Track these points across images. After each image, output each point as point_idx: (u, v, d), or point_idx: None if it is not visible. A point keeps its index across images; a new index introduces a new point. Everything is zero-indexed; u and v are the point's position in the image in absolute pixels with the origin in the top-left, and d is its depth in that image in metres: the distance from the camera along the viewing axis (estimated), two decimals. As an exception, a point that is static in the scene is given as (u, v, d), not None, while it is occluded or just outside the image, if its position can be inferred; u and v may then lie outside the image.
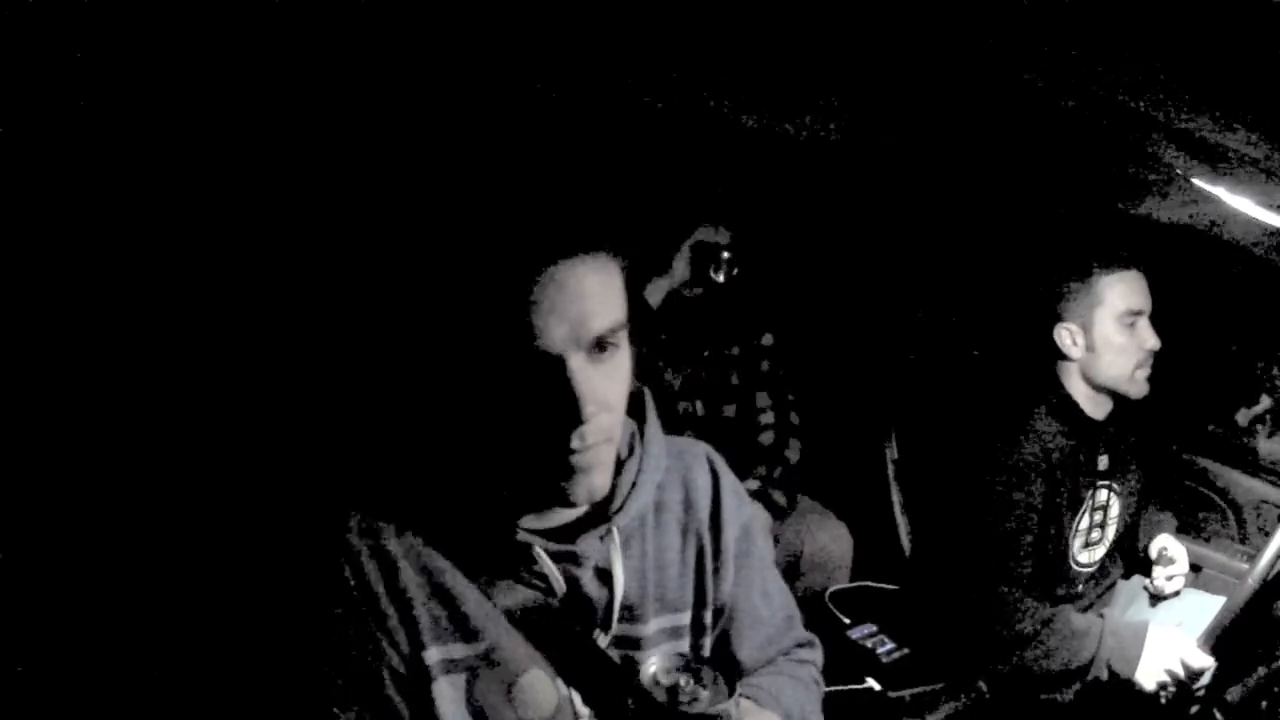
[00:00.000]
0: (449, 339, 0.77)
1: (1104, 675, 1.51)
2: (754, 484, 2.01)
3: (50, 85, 1.11)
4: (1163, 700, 1.48)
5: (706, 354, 2.07)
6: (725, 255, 1.89)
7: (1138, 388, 1.65)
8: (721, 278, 1.92)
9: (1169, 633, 1.52)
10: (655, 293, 1.94)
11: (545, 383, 0.72)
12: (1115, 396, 1.69)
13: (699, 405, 2.05)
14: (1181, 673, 1.46)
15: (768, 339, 2.16)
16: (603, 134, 1.58)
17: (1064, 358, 1.68)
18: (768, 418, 2.12)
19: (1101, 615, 1.63)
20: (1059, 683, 1.55)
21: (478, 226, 0.74)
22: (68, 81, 1.11)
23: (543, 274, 0.71)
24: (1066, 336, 1.67)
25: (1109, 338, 1.63)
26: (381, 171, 1.48)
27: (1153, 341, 1.63)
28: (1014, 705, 1.58)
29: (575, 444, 0.73)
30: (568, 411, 0.72)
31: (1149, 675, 1.49)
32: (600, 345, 0.74)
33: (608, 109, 1.43)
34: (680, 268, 1.92)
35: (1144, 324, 1.64)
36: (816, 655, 1.11)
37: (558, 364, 0.72)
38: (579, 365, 0.73)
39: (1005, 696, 1.58)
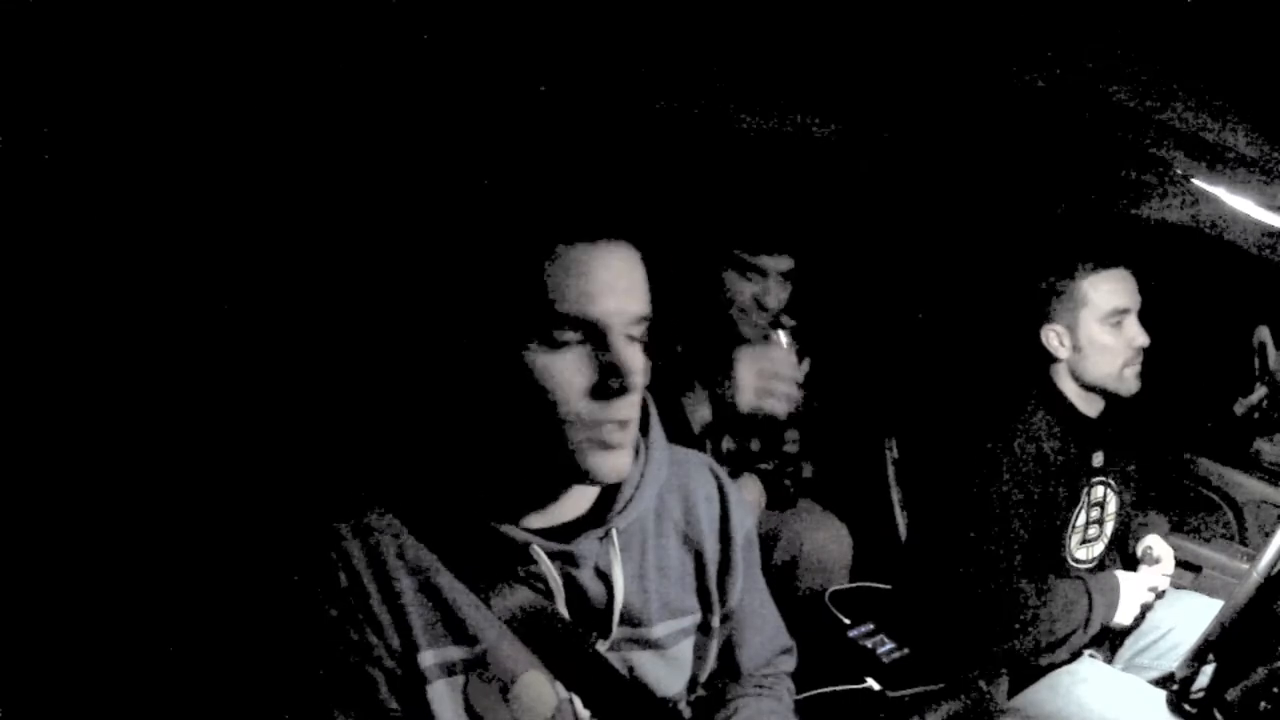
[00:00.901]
0: (479, 324, 0.79)
1: (1095, 629, 1.62)
2: (767, 466, 1.96)
3: (49, 86, 1.11)
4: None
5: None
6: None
7: (1128, 385, 1.65)
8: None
9: (1134, 576, 1.70)
10: (698, 419, 1.59)
11: (596, 351, 0.76)
12: (1108, 394, 1.69)
13: (727, 440, 1.89)
14: (1151, 598, 1.68)
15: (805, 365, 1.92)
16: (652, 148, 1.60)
17: (1054, 358, 1.69)
18: (791, 448, 2.03)
19: (1079, 578, 1.66)
20: (1058, 649, 1.60)
21: (531, 212, 0.79)
22: (67, 82, 1.11)
23: (593, 251, 0.76)
24: (1054, 338, 1.67)
25: (1094, 338, 1.62)
26: (428, 162, 1.47)
27: (1141, 339, 1.61)
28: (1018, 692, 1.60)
29: (624, 414, 0.77)
30: (617, 379, 0.76)
31: (1127, 614, 1.64)
32: (633, 331, 0.79)
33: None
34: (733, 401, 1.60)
35: (1131, 321, 1.62)
36: (793, 662, 1.15)
37: (606, 335, 0.76)
38: (624, 340, 0.77)
39: (1010, 682, 1.61)
